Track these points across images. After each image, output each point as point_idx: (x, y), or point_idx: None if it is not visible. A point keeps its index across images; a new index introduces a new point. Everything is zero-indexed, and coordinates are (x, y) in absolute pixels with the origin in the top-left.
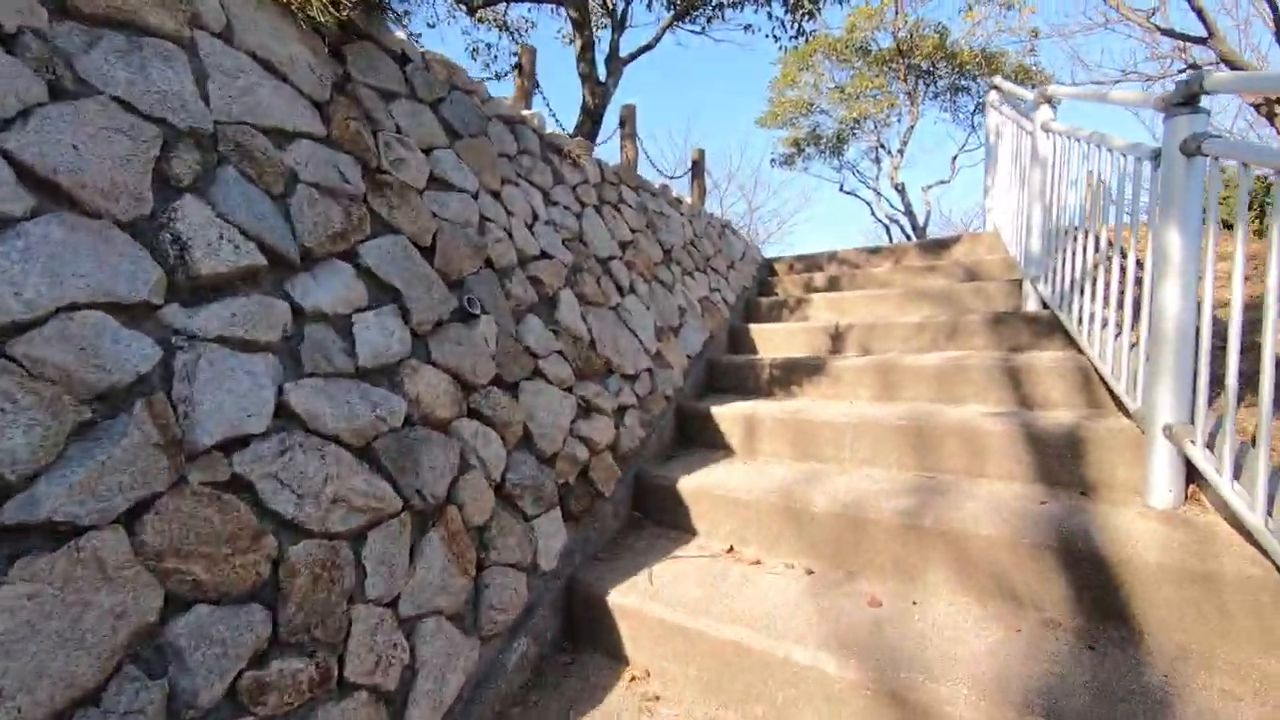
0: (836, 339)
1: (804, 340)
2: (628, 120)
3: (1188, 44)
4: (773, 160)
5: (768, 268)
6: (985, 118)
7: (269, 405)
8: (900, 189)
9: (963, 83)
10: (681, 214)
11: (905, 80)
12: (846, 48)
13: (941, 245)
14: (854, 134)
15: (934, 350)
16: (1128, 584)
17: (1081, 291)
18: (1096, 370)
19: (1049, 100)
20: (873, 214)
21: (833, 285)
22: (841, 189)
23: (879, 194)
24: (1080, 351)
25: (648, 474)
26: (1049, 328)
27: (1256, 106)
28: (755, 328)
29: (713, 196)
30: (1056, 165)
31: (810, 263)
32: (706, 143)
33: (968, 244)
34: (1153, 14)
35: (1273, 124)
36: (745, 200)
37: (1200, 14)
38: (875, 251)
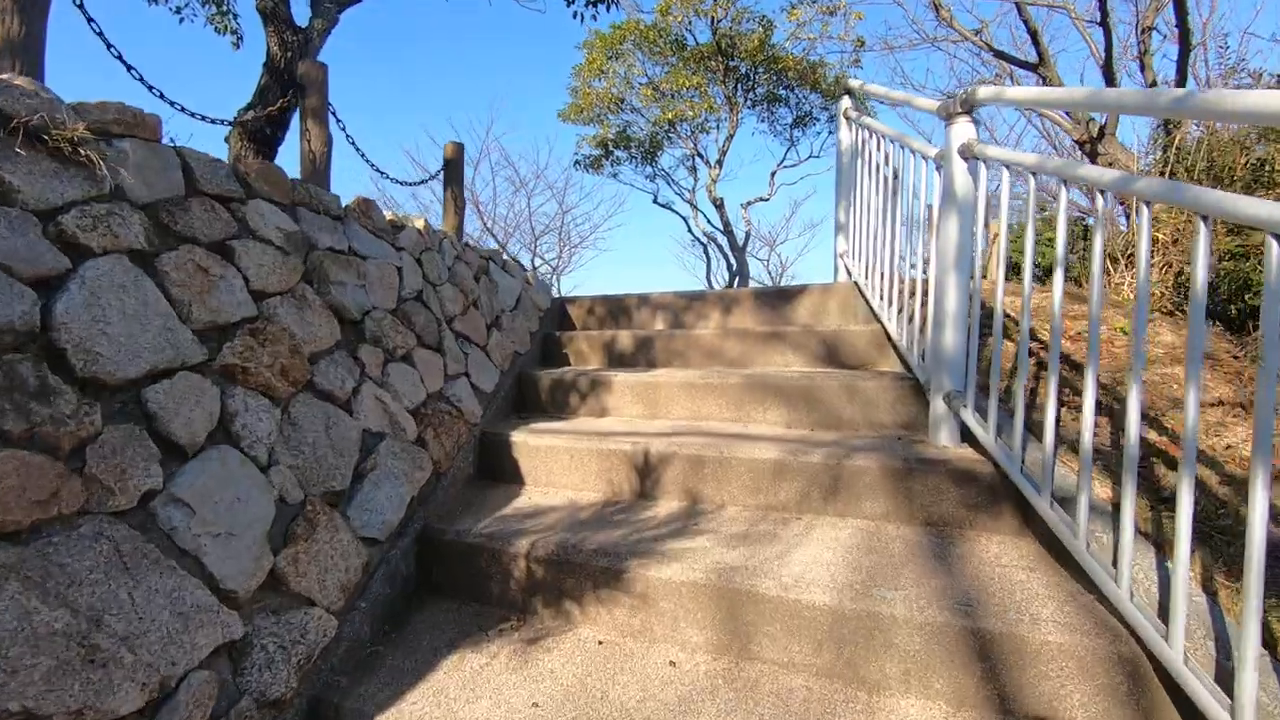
0: (646, 476)
1: (595, 472)
2: (312, 87)
3: (1014, 68)
4: (577, 161)
5: (558, 315)
6: (837, 133)
7: None
8: (719, 204)
9: (780, 92)
10: (397, 248)
11: (725, 83)
12: (660, 37)
13: (783, 297)
14: (669, 138)
15: (805, 527)
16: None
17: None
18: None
19: (968, 110)
20: (689, 229)
21: (643, 350)
22: (656, 200)
23: (695, 207)
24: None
25: None
26: (991, 494)
27: (1080, 144)
28: (521, 439)
29: (519, 196)
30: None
31: (615, 306)
32: (514, 138)
33: (816, 298)
34: (979, 33)
35: (1094, 161)
36: (556, 201)
37: (1034, 38)
38: (698, 298)
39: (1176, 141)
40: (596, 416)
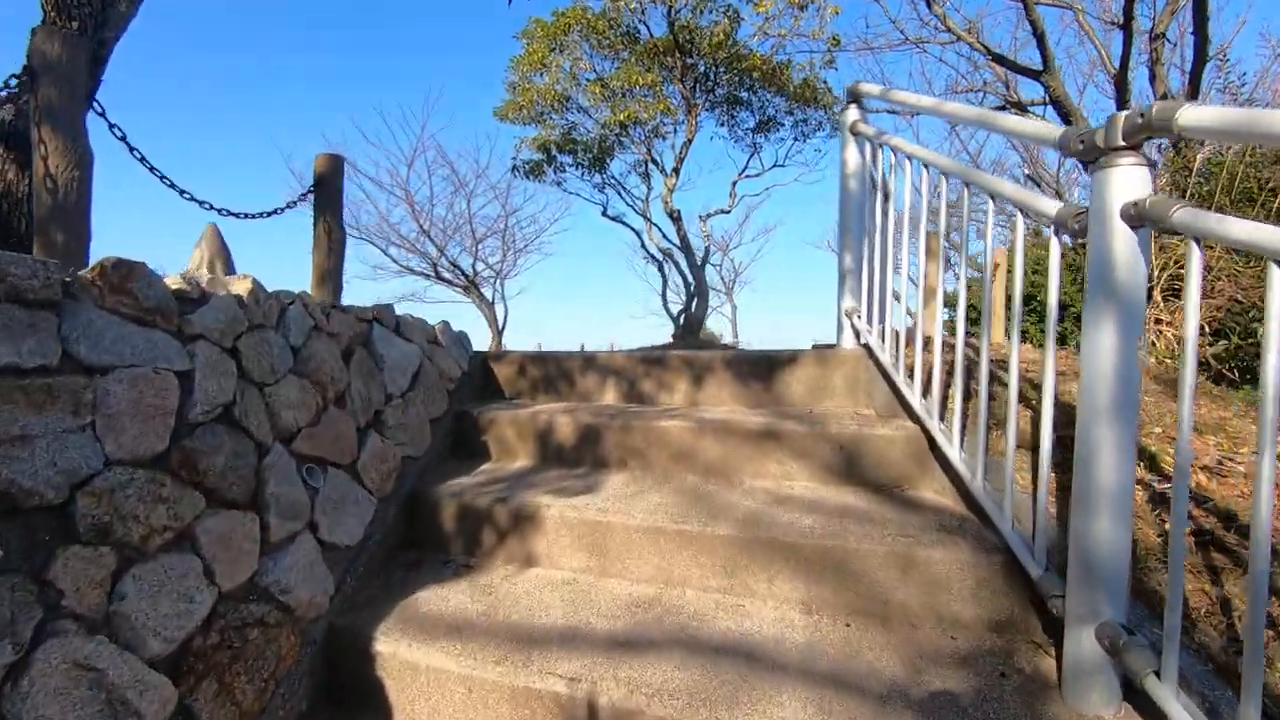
0: None
1: None
2: (48, 71)
3: (1011, 75)
4: (515, 166)
5: (479, 379)
6: (842, 152)
7: None
8: (675, 216)
9: (742, 94)
10: (186, 338)
11: (682, 82)
12: (610, 28)
13: (771, 367)
14: (620, 143)
15: None
16: None
17: None
18: None
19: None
20: (643, 245)
21: (589, 443)
22: (605, 212)
23: (649, 220)
24: None
25: None
26: None
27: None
28: (390, 650)
29: (459, 196)
30: None
31: (554, 369)
32: (450, 133)
33: (814, 369)
34: (970, 30)
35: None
36: (499, 203)
37: (1040, 42)
38: (658, 363)
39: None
40: (519, 569)
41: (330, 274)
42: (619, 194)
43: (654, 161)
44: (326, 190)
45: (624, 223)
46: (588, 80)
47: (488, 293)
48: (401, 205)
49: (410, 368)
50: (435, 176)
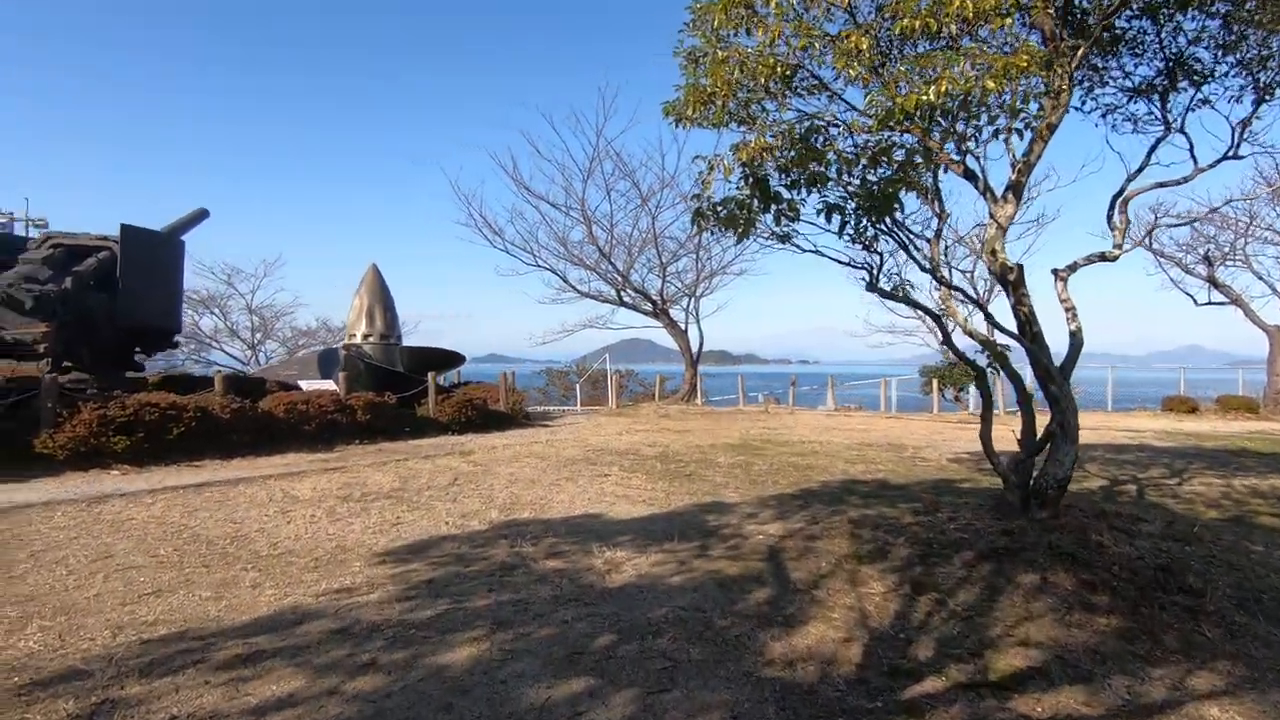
0: None
1: None
2: None
3: None
4: (698, 214)
5: None
6: None
7: None
8: (1011, 276)
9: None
10: None
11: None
12: None
13: None
14: (914, 158)
15: None
16: None
17: None
18: None
19: None
20: (945, 340)
21: None
22: (873, 284)
23: (958, 293)
24: None
25: None
26: None
27: None
28: None
29: (642, 212)
30: None
31: None
32: (632, 136)
33: None
34: None
35: None
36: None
37: None
38: None
39: None
40: None
41: None
42: (905, 244)
43: (970, 175)
44: None
45: (909, 301)
46: (841, 27)
47: (678, 315)
48: (579, 226)
49: None
50: (615, 191)
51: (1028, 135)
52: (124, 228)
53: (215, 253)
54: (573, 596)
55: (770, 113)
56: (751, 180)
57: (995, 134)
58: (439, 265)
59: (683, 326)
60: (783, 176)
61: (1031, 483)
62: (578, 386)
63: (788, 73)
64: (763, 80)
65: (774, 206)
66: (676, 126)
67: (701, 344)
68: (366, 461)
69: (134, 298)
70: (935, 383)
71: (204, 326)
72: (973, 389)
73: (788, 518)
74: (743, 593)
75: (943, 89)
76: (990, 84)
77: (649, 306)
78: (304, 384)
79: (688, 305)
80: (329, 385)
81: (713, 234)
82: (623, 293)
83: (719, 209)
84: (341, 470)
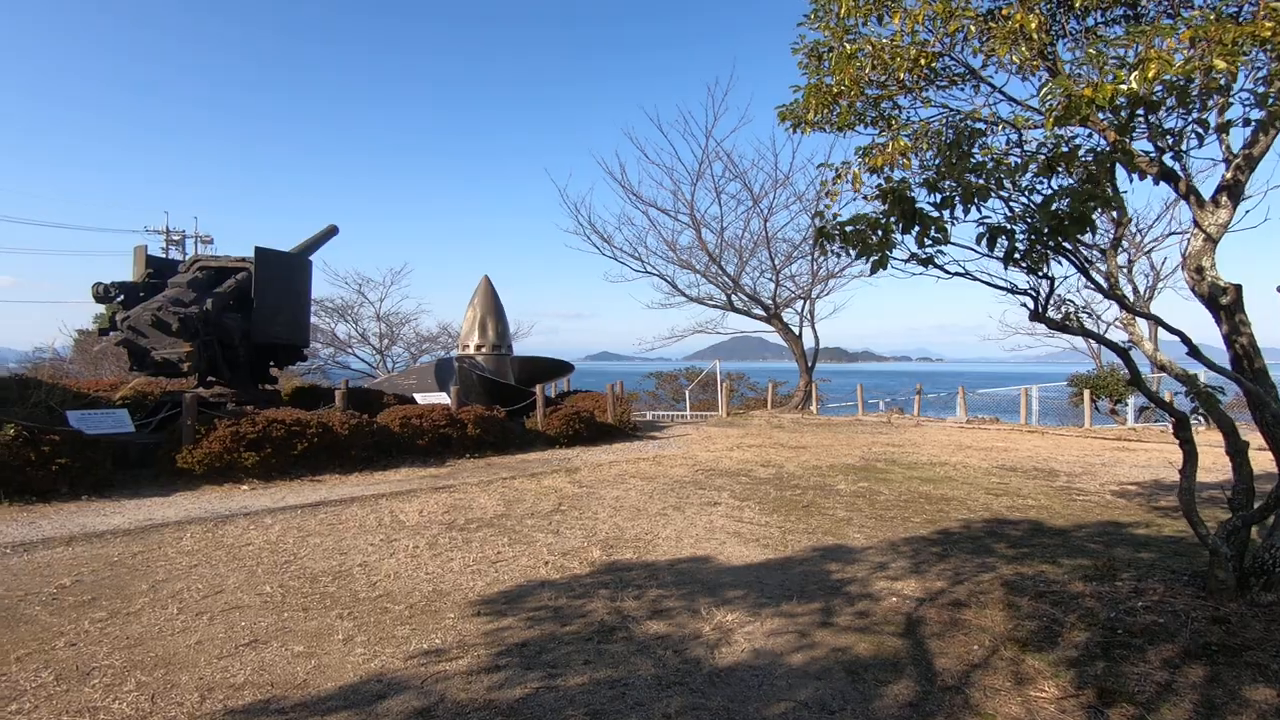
0: None
1: None
2: None
3: None
4: (822, 233)
5: None
6: None
7: None
8: (1220, 299)
9: None
10: None
11: None
12: None
13: None
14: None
15: None
16: None
17: None
18: None
19: None
20: (1137, 384)
21: None
22: (1039, 311)
23: (1144, 317)
24: None
25: None
26: None
27: None
28: None
29: (754, 214)
30: None
31: None
32: (744, 135)
33: None
34: None
35: None
36: (806, 213)
37: None
38: None
39: None
40: None
41: None
42: (1083, 266)
43: (1167, 175)
44: None
45: (1086, 332)
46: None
47: (791, 318)
48: (688, 230)
49: None
50: (724, 193)
51: (1253, 123)
52: (258, 250)
53: (348, 263)
54: (677, 679)
55: (904, 110)
56: (892, 196)
57: (1224, 128)
58: (555, 261)
59: (796, 330)
60: (929, 193)
61: (1248, 558)
62: (687, 392)
63: (931, 63)
64: (901, 74)
65: (914, 225)
66: (794, 132)
67: (817, 348)
68: (474, 479)
69: (267, 316)
70: (1086, 394)
71: (339, 334)
72: (1132, 401)
73: (924, 572)
74: (877, 684)
75: (1150, 73)
76: (1219, 63)
77: (761, 311)
78: (419, 396)
79: (802, 309)
80: (442, 398)
81: (839, 257)
82: (733, 297)
83: (846, 228)
84: (449, 490)
